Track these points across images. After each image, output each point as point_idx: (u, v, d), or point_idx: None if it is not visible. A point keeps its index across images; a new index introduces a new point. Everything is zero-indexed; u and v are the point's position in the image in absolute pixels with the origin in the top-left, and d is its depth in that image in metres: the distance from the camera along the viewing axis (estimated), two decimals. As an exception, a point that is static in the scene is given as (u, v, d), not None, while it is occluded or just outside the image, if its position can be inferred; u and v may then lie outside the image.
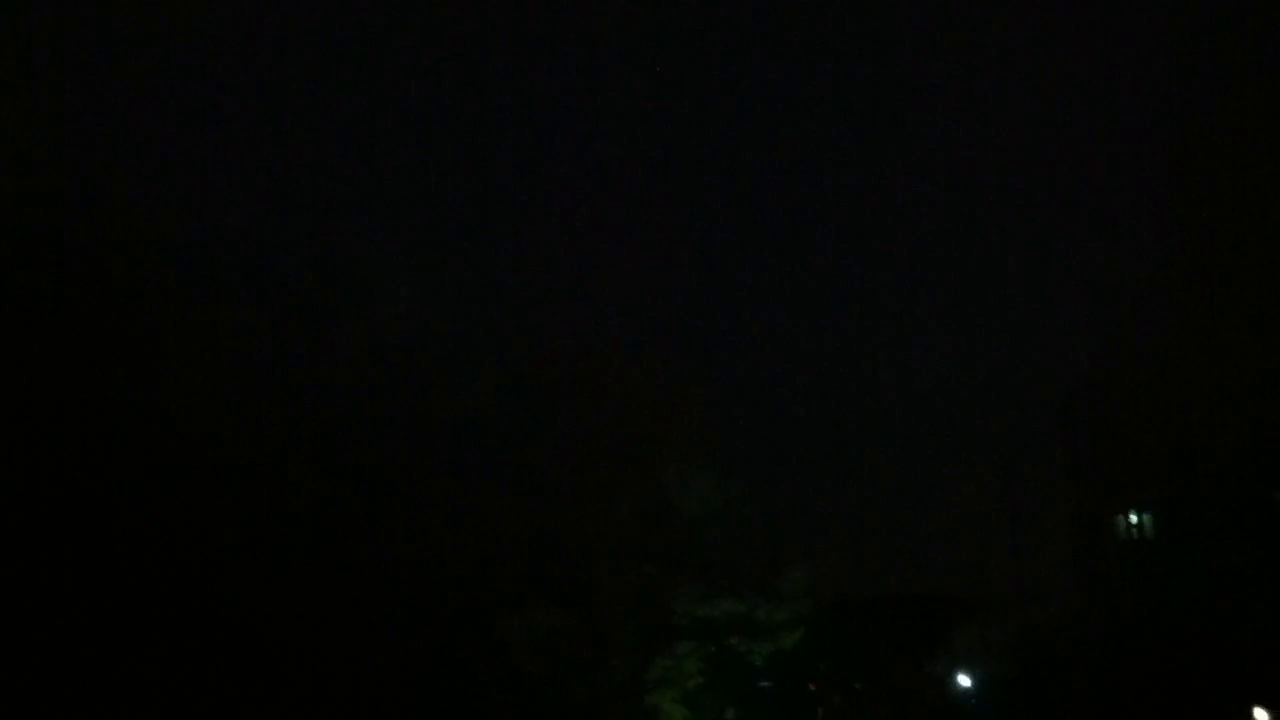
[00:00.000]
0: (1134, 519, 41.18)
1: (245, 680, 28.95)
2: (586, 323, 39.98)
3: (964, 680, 40.77)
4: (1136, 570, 40.33)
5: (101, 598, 27.67)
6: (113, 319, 29.30)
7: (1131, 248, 41.58)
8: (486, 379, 36.42)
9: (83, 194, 30.89)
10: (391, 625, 31.59)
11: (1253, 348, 36.15)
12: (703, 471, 38.60)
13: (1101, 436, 40.92)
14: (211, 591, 28.57)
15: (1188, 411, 38.22)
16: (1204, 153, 37.30)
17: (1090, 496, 41.35)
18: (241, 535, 29.14)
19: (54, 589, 27.22)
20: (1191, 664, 36.83)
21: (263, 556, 29.41)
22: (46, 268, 29.15)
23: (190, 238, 32.21)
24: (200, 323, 30.72)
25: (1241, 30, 35.27)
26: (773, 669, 41.65)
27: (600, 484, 36.98)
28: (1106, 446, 40.76)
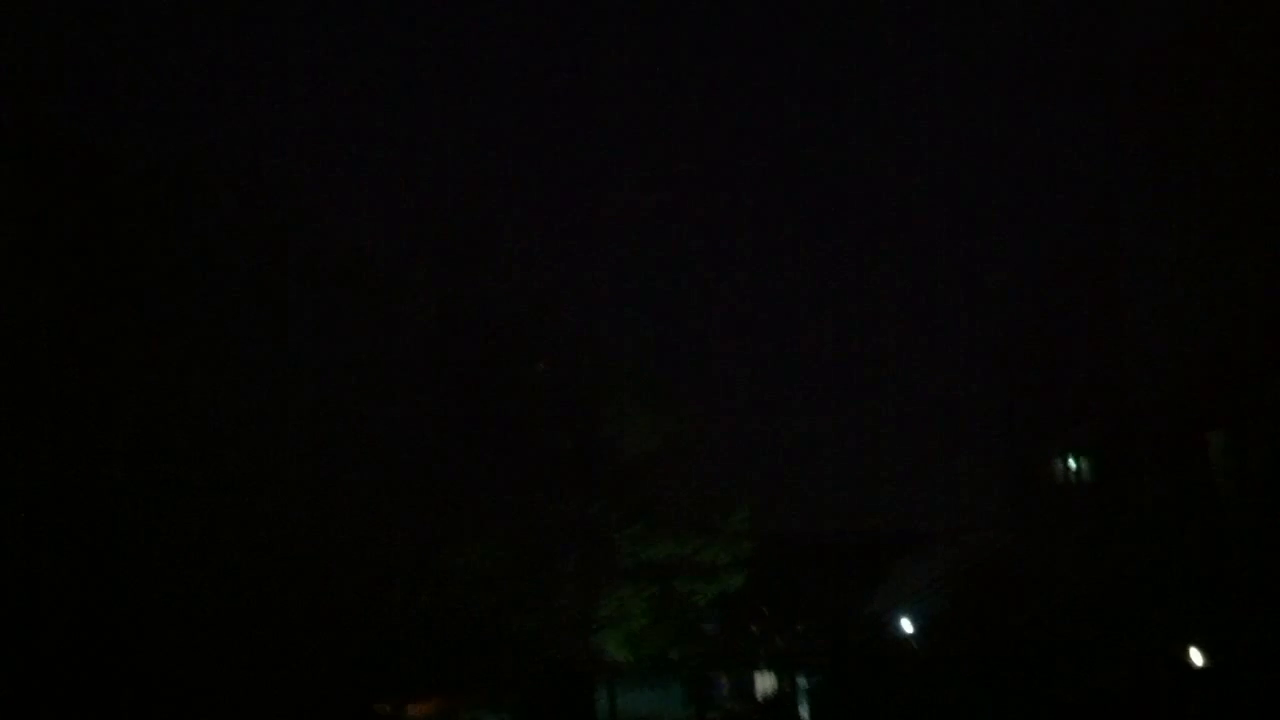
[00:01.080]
0: (1071, 462, 41.78)
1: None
2: (538, 270, 39.94)
3: (904, 620, 41.45)
4: (1074, 512, 40.96)
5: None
6: None
7: (1063, 194, 41.97)
8: (427, 316, 36.55)
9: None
10: (324, 560, 31.70)
11: (1186, 292, 36.72)
12: (645, 411, 38.90)
13: (1040, 381, 41.46)
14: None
15: (1123, 355, 38.78)
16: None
17: (1028, 440, 41.93)
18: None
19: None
20: (1127, 603, 37.51)
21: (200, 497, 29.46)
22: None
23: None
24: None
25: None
26: (717, 610, 42.15)
27: (542, 420, 37.21)
28: (1045, 392, 41.31)
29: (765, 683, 44.78)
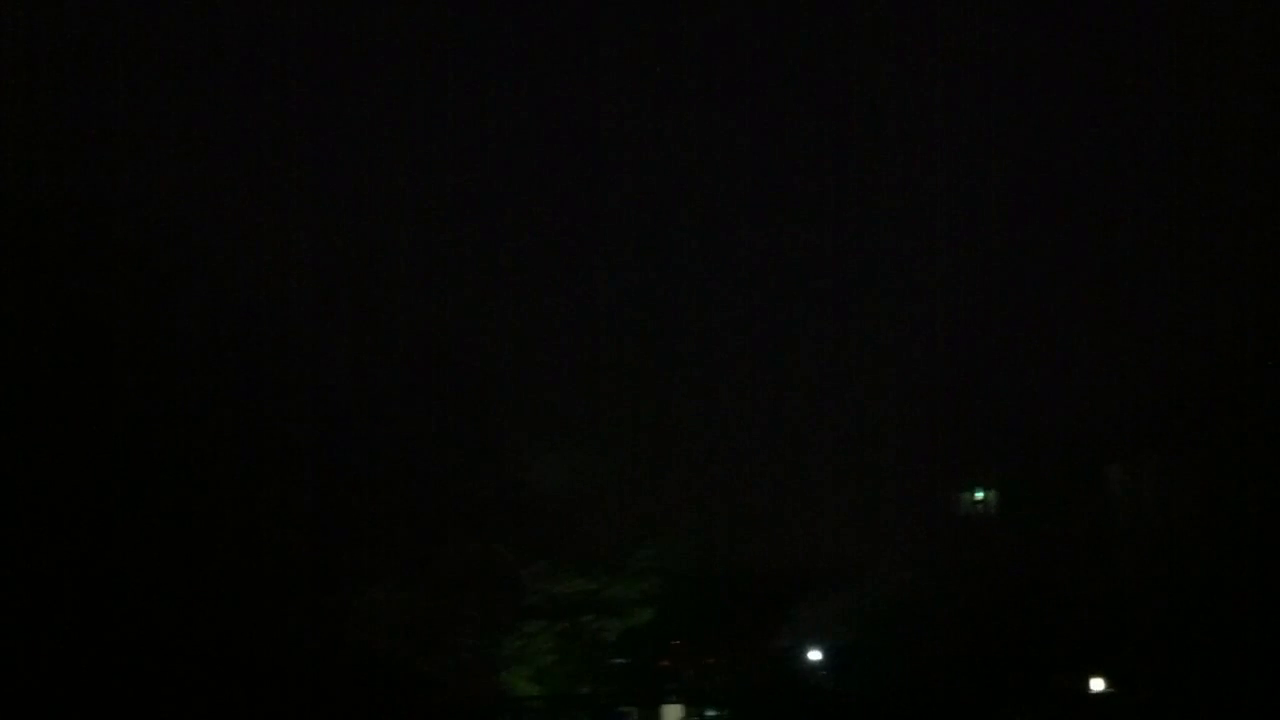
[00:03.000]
0: (978, 495, 42.26)
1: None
2: (448, 307, 39.73)
3: (813, 652, 41.60)
4: (980, 544, 41.40)
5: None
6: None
7: (969, 241, 42.56)
8: (336, 356, 36.39)
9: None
10: (226, 603, 31.38)
11: (1089, 330, 37.45)
12: (551, 450, 38.86)
13: (947, 417, 41.93)
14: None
15: (1028, 392, 39.38)
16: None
17: (936, 474, 42.37)
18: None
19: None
20: (1031, 634, 37.97)
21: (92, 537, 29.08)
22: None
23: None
24: None
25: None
26: (625, 645, 42.03)
27: (447, 461, 37.04)
28: (952, 426, 41.78)
29: (672, 716, 44.69)
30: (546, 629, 39.55)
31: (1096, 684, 37.96)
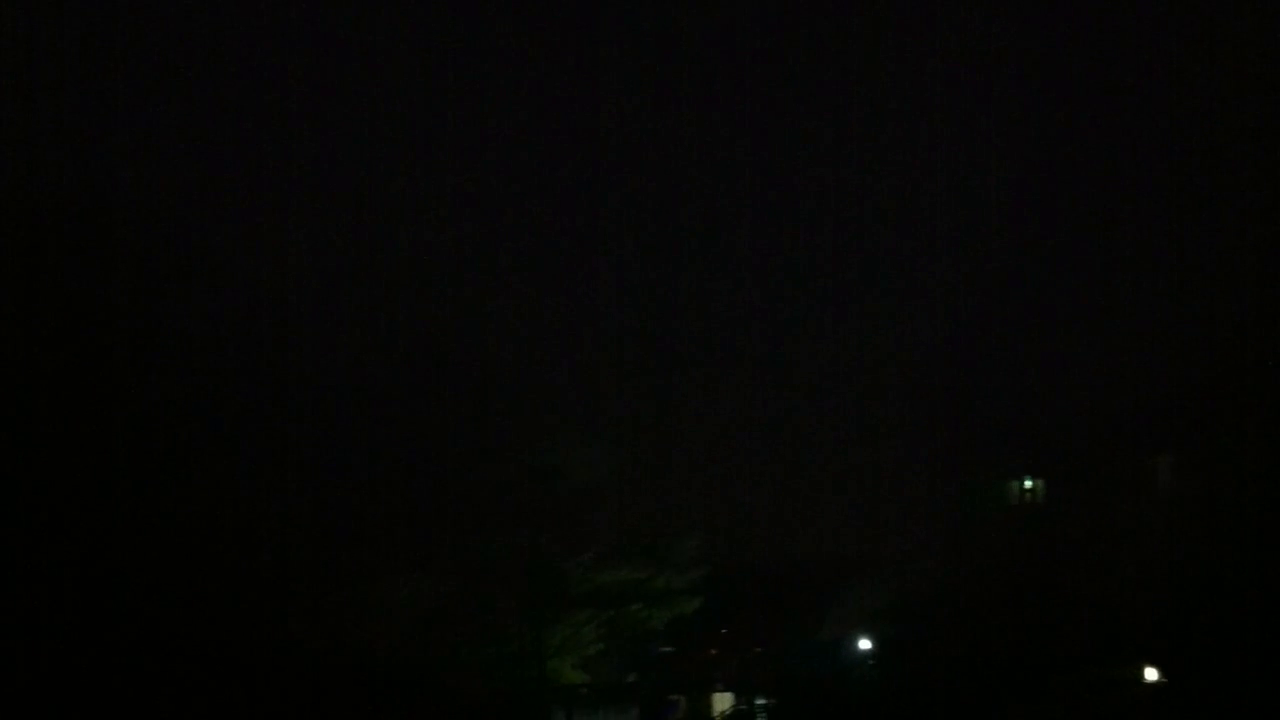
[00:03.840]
0: (1027, 484, 41.92)
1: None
2: (484, 301, 39.90)
3: (862, 643, 41.49)
4: (1028, 533, 41.09)
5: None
6: None
7: (1016, 217, 42.09)
8: (377, 351, 36.58)
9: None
10: (272, 595, 31.71)
11: (1140, 319, 37.01)
12: (593, 440, 38.97)
13: (997, 407, 41.62)
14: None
15: (1078, 382, 38.98)
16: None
17: (985, 464, 42.06)
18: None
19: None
20: (1083, 623, 37.66)
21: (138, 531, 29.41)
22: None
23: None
24: None
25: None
26: (672, 634, 42.09)
27: (489, 450, 37.20)
28: (1001, 416, 41.46)
29: (721, 704, 44.76)
30: (593, 618, 39.67)
31: (1150, 674, 37.63)
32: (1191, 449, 35.82)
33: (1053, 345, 39.92)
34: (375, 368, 36.49)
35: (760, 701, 43.75)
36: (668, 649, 42.67)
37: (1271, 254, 34.97)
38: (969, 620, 38.79)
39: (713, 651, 43.84)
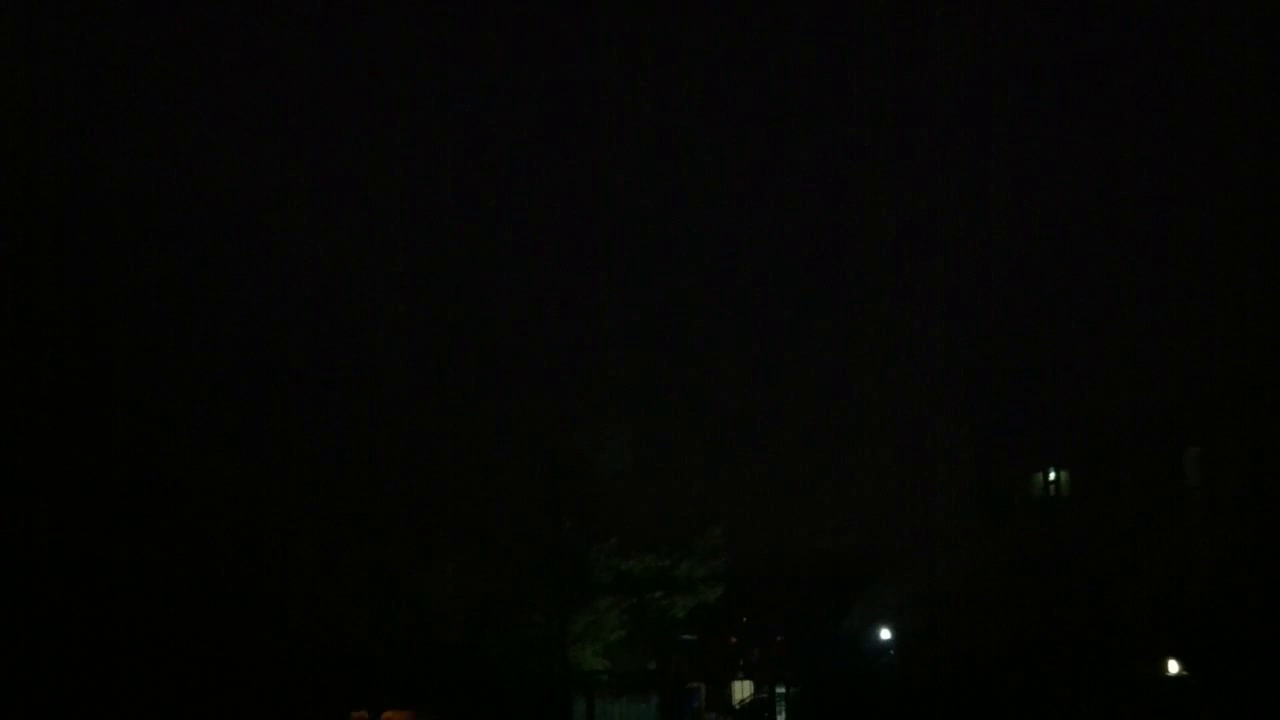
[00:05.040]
0: (1051, 475, 41.70)
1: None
2: (513, 290, 39.85)
3: (883, 634, 41.50)
4: (1053, 525, 40.91)
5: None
6: None
7: (1042, 209, 41.86)
8: (399, 340, 36.52)
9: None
10: (299, 583, 31.84)
11: (1166, 308, 36.72)
12: (619, 431, 38.91)
13: (1017, 397, 41.41)
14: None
15: (1106, 373, 38.73)
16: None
17: (1009, 455, 41.86)
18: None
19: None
20: (1105, 616, 37.52)
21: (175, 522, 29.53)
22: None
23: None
24: None
25: None
26: (694, 622, 42.12)
27: (516, 440, 37.22)
28: (1022, 407, 41.25)
29: (741, 693, 44.89)
30: (616, 605, 39.67)
31: (1172, 666, 37.52)
32: (1221, 442, 35.57)
33: (1079, 337, 39.69)
34: (401, 360, 36.49)
35: (780, 690, 43.85)
36: (689, 637, 42.73)
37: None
38: (992, 613, 38.72)
39: (734, 640, 43.91)
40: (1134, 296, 38.63)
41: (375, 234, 37.06)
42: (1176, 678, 37.39)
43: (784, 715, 43.47)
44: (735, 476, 40.83)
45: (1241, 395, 34.96)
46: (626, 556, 39.26)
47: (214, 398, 31.56)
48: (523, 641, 37.40)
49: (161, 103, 33.98)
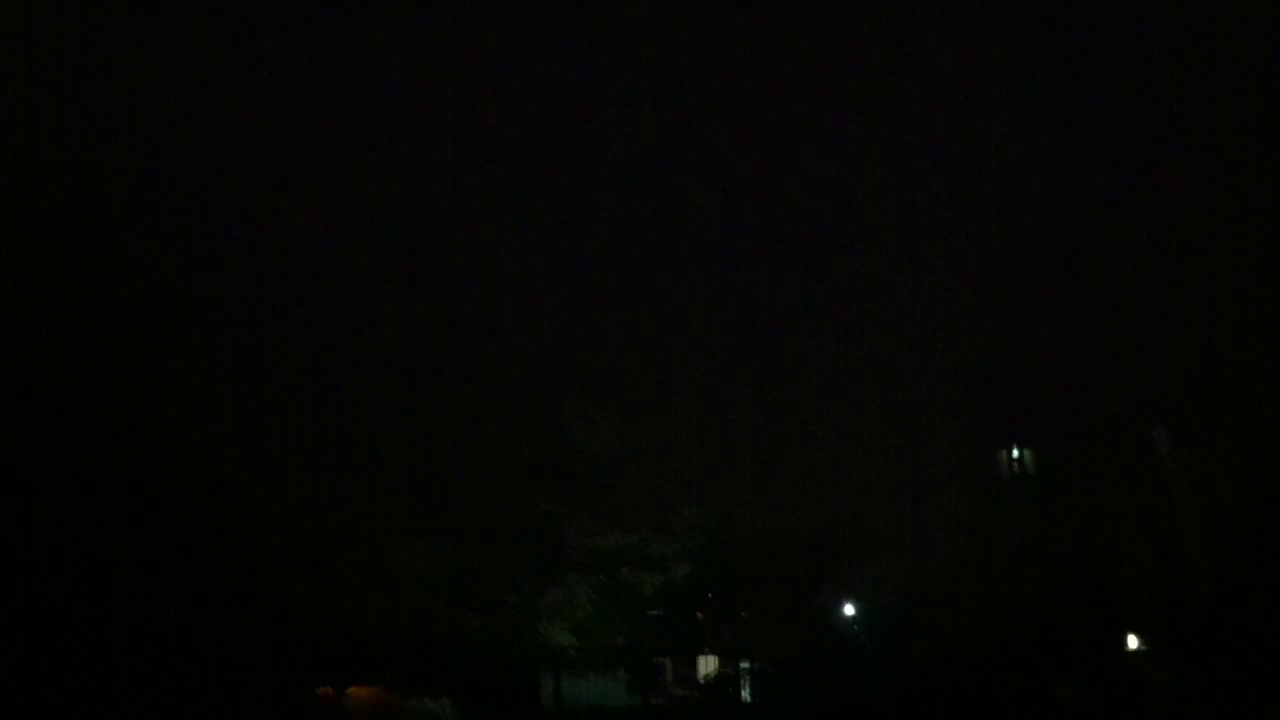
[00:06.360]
0: (1015, 453, 42.10)
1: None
2: (505, 274, 39.80)
3: (849, 610, 41.75)
4: (1017, 503, 41.32)
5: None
6: None
7: (1020, 197, 42.17)
8: (388, 323, 36.45)
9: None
10: (278, 562, 31.79)
11: (1137, 291, 37.18)
12: (600, 414, 39.01)
13: (989, 379, 41.74)
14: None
15: (1075, 356, 39.16)
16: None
17: (976, 435, 42.21)
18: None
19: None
20: (1068, 593, 37.99)
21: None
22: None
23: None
24: None
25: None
26: (663, 599, 42.21)
27: (503, 421, 37.25)
28: (994, 388, 41.59)
29: (707, 668, 45.03)
30: (586, 581, 39.75)
31: (1134, 642, 38.10)
32: (1189, 422, 36.09)
33: (1050, 316, 40.09)
34: (390, 339, 36.38)
35: (746, 665, 44.05)
36: (657, 613, 42.79)
37: (1267, 229, 35.27)
38: (959, 589, 39.11)
39: (701, 616, 44.01)
40: (1103, 284, 39.08)
41: (368, 214, 36.89)
42: (1137, 651, 38.02)
43: (749, 690, 43.71)
44: (711, 458, 40.78)
45: (1210, 378, 35.44)
46: (599, 534, 39.35)
47: (189, 366, 31.37)
48: (493, 617, 37.45)
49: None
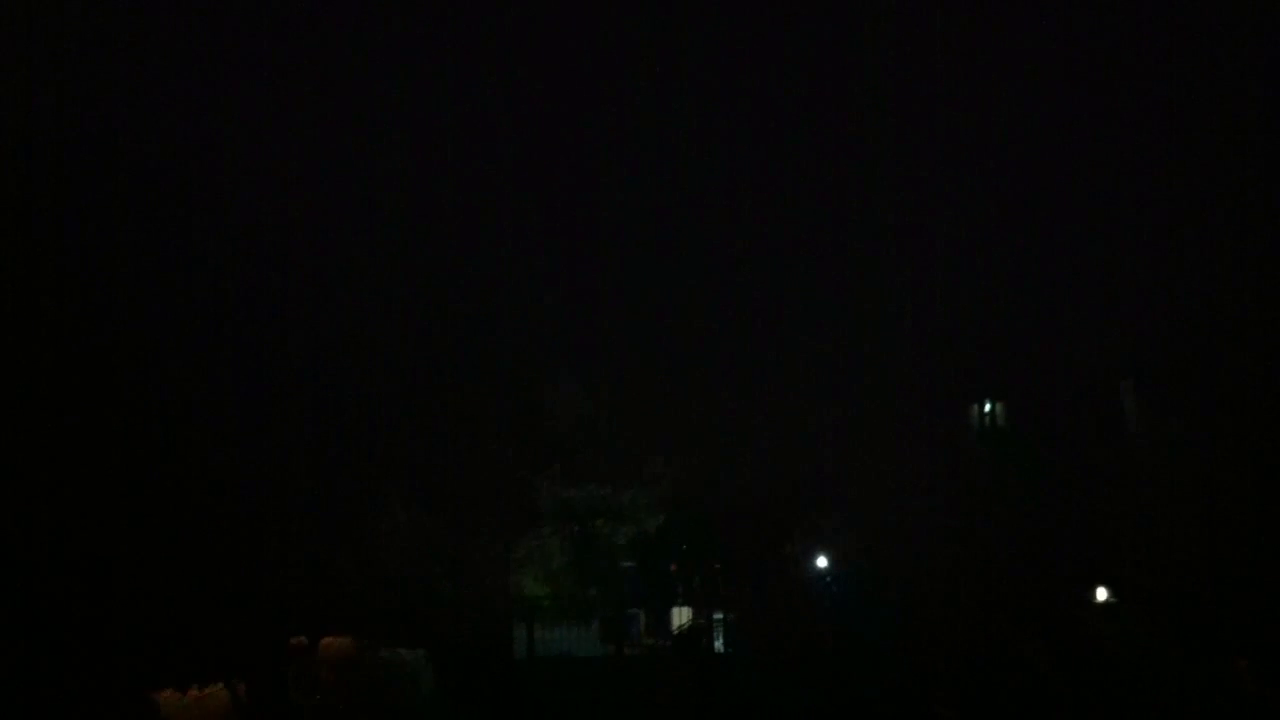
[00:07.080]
0: (986, 407, 42.36)
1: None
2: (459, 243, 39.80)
3: (820, 561, 42.06)
4: (988, 456, 41.60)
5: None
6: None
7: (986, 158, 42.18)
8: (347, 282, 36.44)
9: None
10: (249, 533, 31.99)
11: (1102, 250, 37.37)
12: (573, 376, 39.32)
13: (960, 334, 41.93)
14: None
15: (1046, 312, 39.36)
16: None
17: (946, 388, 42.43)
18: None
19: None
20: (1037, 545, 38.32)
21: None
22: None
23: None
24: None
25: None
26: (636, 550, 42.50)
27: (475, 379, 37.41)
28: (965, 343, 41.78)
29: (680, 619, 45.35)
30: (558, 533, 40.03)
31: (1100, 594, 38.45)
32: (1156, 376, 36.37)
33: (1020, 274, 40.23)
34: (369, 312, 36.42)
35: (718, 616, 44.40)
36: (630, 564, 43.08)
37: (1233, 193, 35.49)
38: (926, 543, 39.39)
39: (674, 567, 44.31)
40: (1073, 241, 39.25)
41: (345, 189, 36.81)
42: (1104, 603, 38.40)
43: (721, 640, 44.08)
44: (680, 408, 40.96)
45: (1177, 332, 35.68)
46: (570, 484, 39.62)
47: (159, 332, 31.45)
48: (465, 567, 37.66)
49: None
